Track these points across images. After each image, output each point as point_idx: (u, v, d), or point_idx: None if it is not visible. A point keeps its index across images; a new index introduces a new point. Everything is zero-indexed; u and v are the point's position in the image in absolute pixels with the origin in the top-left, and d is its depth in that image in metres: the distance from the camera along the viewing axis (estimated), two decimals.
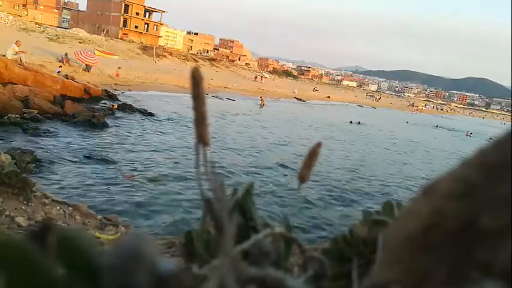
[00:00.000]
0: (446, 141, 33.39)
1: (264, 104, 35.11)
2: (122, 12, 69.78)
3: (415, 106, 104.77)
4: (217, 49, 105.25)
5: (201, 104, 0.48)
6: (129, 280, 0.33)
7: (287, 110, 35.50)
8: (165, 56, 55.98)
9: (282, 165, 12.97)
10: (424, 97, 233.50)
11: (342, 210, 9.66)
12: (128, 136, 13.60)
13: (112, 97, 20.59)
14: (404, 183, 13.82)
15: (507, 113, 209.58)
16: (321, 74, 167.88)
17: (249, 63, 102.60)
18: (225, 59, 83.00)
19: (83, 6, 77.39)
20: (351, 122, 32.23)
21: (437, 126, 48.68)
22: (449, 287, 0.37)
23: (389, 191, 12.41)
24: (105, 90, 21.14)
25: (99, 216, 2.25)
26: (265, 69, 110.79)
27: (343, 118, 34.67)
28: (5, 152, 2.26)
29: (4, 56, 17.22)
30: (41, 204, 2.18)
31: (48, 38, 37.82)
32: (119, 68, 30.49)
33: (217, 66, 65.20)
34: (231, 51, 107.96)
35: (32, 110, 12.89)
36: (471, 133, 43.73)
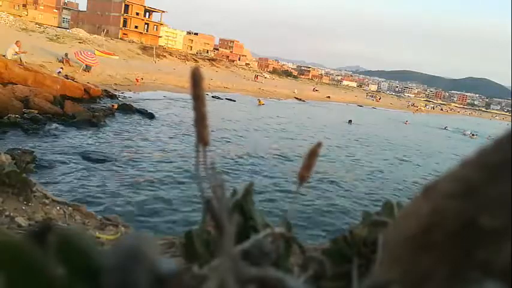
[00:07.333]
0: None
1: (262, 103, 35.21)
2: (122, 12, 69.77)
3: (415, 106, 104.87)
4: (217, 49, 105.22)
5: (201, 104, 0.48)
6: (129, 280, 0.33)
7: (286, 110, 35.50)
8: (165, 56, 55.97)
9: (281, 165, 12.97)
10: (424, 97, 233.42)
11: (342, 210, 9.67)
12: (127, 136, 13.60)
13: (112, 97, 20.61)
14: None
15: (507, 113, 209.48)
16: (321, 74, 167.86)
17: (249, 64, 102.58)
18: (225, 59, 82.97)
19: (83, 6, 77.42)
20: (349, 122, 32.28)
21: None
22: (449, 287, 0.37)
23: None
24: (105, 90, 21.15)
25: (99, 217, 2.25)
26: (265, 69, 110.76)
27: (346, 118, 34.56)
28: (5, 152, 2.26)
29: (4, 56, 17.22)
30: (41, 204, 2.18)
31: (48, 38, 37.80)
32: (142, 78, 30.66)
33: (217, 66, 65.19)
34: (231, 52, 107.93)
35: (32, 110, 12.89)
36: (472, 134, 43.79)
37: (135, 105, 19.08)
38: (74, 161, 9.85)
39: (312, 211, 8.97)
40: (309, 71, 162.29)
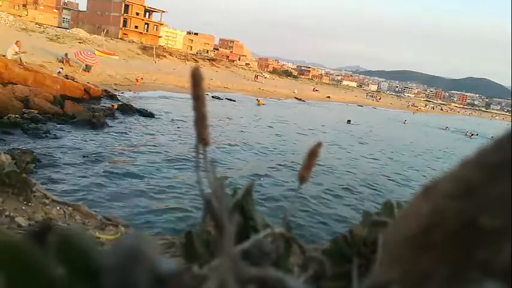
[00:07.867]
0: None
1: (262, 103, 35.27)
2: (122, 12, 69.75)
3: (415, 106, 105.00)
4: (217, 49, 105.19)
5: (201, 104, 0.48)
6: (129, 280, 0.33)
7: (286, 110, 35.49)
8: (165, 56, 55.95)
9: (281, 165, 12.97)
10: (424, 97, 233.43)
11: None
12: (127, 136, 13.60)
13: (112, 97, 20.61)
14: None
15: (507, 113, 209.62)
16: (321, 74, 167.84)
17: (249, 64, 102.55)
18: (225, 59, 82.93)
19: (83, 6, 77.39)
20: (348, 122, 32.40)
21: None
22: (449, 287, 0.37)
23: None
24: (105, 90, 21.15)
25: (99, 216, 2.25)
26: (265, 69, 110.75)
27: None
28: (5, 152, 2.26)
29: (4, 56, 17.22)
30: (41, 204, 2.18)
31: (48, 38, 37.78)
32: (142, 78, 30.75)
33: (217, 66, 65.17)
34: (231, 52, 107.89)
35: (32, 110, 12.88)
36: (472, 134, 43.98)
37: (135, 105, 19.07)
38: (74, 160, 9.84)
39: (310, 211, 8.97)
40: (309, 71, 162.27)
